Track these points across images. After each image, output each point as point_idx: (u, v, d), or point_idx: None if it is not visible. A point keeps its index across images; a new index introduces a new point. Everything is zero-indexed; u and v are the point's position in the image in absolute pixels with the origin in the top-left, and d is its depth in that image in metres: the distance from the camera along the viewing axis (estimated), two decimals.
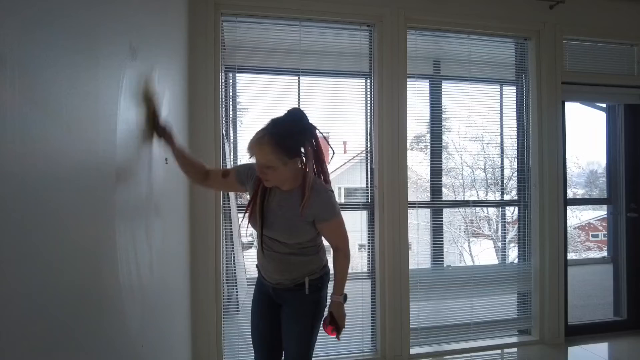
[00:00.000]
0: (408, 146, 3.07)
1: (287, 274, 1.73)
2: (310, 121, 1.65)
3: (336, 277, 1.75)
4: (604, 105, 3.74)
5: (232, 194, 2.86)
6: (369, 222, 3.09)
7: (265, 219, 1.69)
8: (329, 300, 1.79)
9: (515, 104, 3.41)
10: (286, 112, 1.64)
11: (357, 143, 3.13)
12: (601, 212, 6.03)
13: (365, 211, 3.09)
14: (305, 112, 1.66)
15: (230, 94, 2.95)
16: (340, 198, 4.26)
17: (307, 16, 2.90)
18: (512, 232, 3.86)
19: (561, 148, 3.32)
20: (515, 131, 3.42)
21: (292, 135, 1.59)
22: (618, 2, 3.43)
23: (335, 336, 1.77)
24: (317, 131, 1.68)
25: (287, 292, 1.76)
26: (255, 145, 1.56)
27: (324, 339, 2.94)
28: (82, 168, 0.91)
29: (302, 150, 1.63)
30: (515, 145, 3.42)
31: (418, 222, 3.38)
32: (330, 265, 1.84)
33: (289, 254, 1.71)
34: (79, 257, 0.89)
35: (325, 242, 1.83)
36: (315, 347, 1.80)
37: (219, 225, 2.76)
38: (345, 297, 1.75)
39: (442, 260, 3.36)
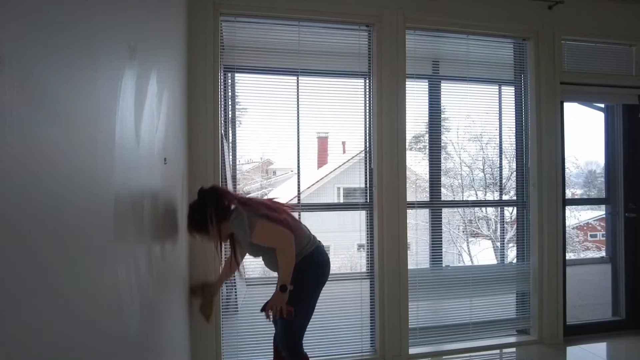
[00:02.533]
0: (407, 146, 3.08)
1: (274, 267, 2.20)
2: (209, 192, 2.19)
3: (279, 271, 2.11)
4: (602, 105, 3.75)
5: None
6: (367, 222, 3.09)
7: (237, 255, 2.36)
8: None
9: (514, 104, 3.41)
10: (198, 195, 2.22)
11: (356, 143, 3.13)
12: (600, 212, 6.04)
13: (364, 211, 3.10)
14: (206, 189, 2.20)
15: (229, 94, 2.95)
16: (339, 198, 4.27)
17: (306, 16, 2.91)
18: (511, 232, 3.87)
19: (560, 148, 3.33)
20: (514, 131, 3.43)
21: (195, 216, 2.18)
22: (617, 3, 3.43)
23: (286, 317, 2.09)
24: (217, 191, 2.22)
25: None
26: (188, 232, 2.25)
27: (324, 339, 2.94)
28: (81, 168, 0.91)
29: (209, 219, 2.13)
30: (514, 145, 3.43)
31: (417, 222, 3.39)
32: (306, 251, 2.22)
33: (266, 258, 2.22)
34: (78, 258, 0.89)
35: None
36: (306, 328, 2.20)
37: None
38: (282, 287, 2.06)
39: (441, 260, 3.36)
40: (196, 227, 2.19)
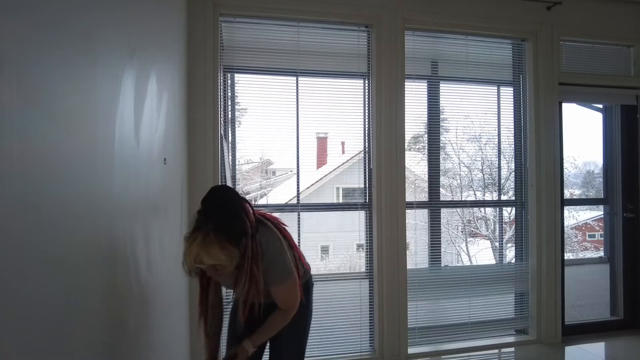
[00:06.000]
0: (406, 146, 3.08)
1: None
2: (232, 190, 1.57)
3: (262, 328, 1.61)
4: (600, 106, 3.76)
5: None
6: (367, 222, 3.10)
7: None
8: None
9: (512, 105, 3.42)
10: (211, 194, 1.47)
11: (355, 143, 3.13)
12: (598, 212, 6.05)
13: (364, 211, 3.10)
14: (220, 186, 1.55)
15: (229, 94, 2.95)
16: (338, 198, 4.27)
17: (305, 17, 2.91)
18: (510, 232, 3.88)
19: (558, 148, 3.34)
20: (513, 132, 3.43)
21: (235, 216, 1.41)
22: (615, 4, 3.44)
23: None
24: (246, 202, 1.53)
25: None
26: (202, 249, 1.31)
27: (323, 339, 2.95)
28: (81, 168, 0.92)
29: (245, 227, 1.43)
30: (513, 145, 3.44)
31: (416, 222, 3.39)
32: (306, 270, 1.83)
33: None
34: (77, 257, 0.89)
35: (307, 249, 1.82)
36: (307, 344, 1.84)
37: None
38: (260, 347, 1.69)
39: (440, 260, 3.37)
40: (234, 239, 1.37)
